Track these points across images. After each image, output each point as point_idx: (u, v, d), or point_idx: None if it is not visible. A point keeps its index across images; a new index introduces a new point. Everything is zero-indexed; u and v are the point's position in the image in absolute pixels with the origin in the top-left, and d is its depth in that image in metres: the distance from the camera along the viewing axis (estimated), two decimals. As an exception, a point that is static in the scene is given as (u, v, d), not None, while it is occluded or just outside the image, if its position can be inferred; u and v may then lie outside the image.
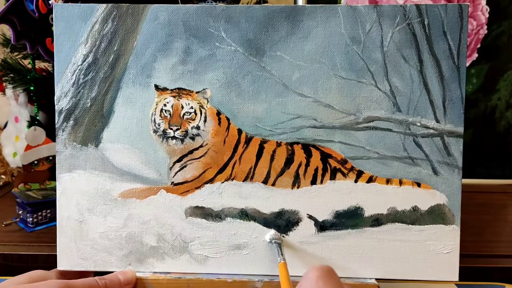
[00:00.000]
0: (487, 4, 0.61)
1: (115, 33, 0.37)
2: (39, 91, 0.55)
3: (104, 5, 0.37)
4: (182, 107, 0.37)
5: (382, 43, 0.36)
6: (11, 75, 0.54)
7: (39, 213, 0.47)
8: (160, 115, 0.37)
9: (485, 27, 0.63)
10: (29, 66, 0.55)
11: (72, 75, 0.37)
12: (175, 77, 0.37)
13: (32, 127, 0.53)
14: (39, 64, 0.57)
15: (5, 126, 0.66)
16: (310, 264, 0.36)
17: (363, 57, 0.36)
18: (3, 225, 0.47)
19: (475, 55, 0.64)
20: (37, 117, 0.56)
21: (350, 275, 0.36)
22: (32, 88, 0.55)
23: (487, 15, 0.62)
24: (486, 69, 0.66)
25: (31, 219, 0.47)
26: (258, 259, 0.37)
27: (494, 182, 0.67)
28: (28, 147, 0.53)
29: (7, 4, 0.43)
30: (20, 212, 0.48)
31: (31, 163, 0.53)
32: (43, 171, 0.54)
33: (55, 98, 0.38)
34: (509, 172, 0.68)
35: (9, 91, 0.59)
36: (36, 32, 0.44)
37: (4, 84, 0.57)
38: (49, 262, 0.39)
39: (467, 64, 0.64)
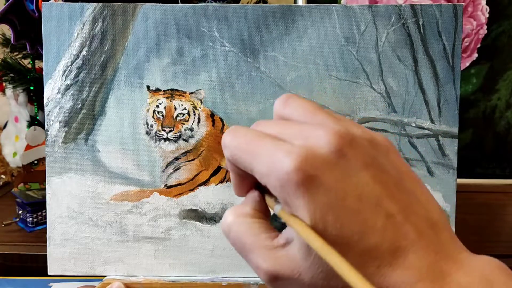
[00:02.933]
0: (487, 4, 0.64)
1: (106, 33, 0.38)
2: (39, 91, 0.56)
3: (95, 4, 0.38)
4: (175, 109, 0.39)
5: (377, 43, 0.38)
6: (11, 75, 0.56)
7: (39, 213, 0.49)
8: (153, 117, 0.39)
9: (485, 27, 0.65)
10: (29, 66, 0.57)
11: (62, 75, 0.39)
12: (167, 78, 0.38)
13: (32, 127, 0.55)
14: (39, 64, 0.59)
15: (5, 126, 0.68)
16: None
17: (358, 58, 0.38)
18: (3, 225, 0.49)
19: (475, 55, 0.66)
20: (37, 117, 0.58)
21: (346, 277, 0.38)
22: (32, 88, 0.56)
23: (487, 15, 0.64)
24: (486, 69, 0.68)
25: (31, 219, 0.49)
26: (253, 262, 0.39)
27: (494, 182, 0.70)
28: (28, 147, 0.55)
29: (7, 4, 0.44)
30: (20, 212, 0.50)
31: (31, 163, 0.55)
32: (43, 171, 0.55)
33: (44, 99, 0.39)
34: (509, 172, 0.70)
35: (9, 91, 0.60)
36: (36, 32, 0.45)
37: (4, 84, 0.58)
38: (49, 262, 0.40)
39: (467, 64, 0.67)
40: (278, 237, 0.20)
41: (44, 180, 0.55)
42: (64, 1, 0.43)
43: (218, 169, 0.39)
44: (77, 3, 0.38)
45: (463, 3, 0.39)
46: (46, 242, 0.39)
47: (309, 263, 0.19)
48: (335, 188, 0.18)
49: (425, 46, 0.38)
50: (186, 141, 0.39)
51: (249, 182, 0.23)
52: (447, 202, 0.38)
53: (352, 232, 0.18)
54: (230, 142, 0.21)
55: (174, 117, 0.39)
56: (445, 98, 0.38)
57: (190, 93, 0.38)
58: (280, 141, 0.19)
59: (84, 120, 0.39)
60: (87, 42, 0.38)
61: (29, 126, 0.59)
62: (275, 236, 0.21)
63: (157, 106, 0.38)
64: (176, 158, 0.39)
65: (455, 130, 0.38)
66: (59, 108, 0.39)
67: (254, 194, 0.23)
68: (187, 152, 0.39)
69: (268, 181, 0.19)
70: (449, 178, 0.38)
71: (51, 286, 0.44)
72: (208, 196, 0.39)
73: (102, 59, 0.38)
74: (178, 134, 0.39)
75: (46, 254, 0.39)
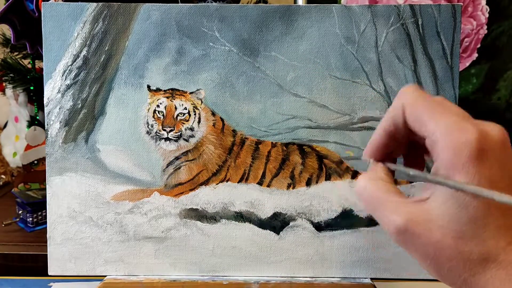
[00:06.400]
0: (487, 4, 0.65)
1: (106, 32, 0.39)
2: (39, 91, 0.57)
3: (95, 4, 0.39)
4: (176, 108, 0.39)
5: (377, 43, 0.39)
6: (11, 75, 0.56)
7: (39, 213, 0.50)
8: (153, 116, 0.39)
9: (485, 27, 0.66)
10: (29, 66, 0.57)
11: (62, 75, 0.39)
12: (168, 78, 0.39)
13: (32, 127, 0.56)
14: (39, 64, 0.59)
15: (5, 126, 0.68)
16: (307, 264, 0.39)
17: (357, 57, 0.39)
18: (3, 225, 0.49)
19: (475, 55, 0.67)
20: (37, 117, 0.58)
21: (346, 274, 0.39)
22: (32, 88, 0.57)
23: (487, 15, 0.65)
24: (486, 69, 0.69)
25: (31, 219, 0.49)
26: (253, 261, 0.39)
27: (494, 182, 0.71)
28: (28, 147, 0.56)
29: (7, 4, 0.44)
30: (20, 212, 0.50)
31: (31, 163, 0.56)
32: (43, 171, 0.56)
33: (45, 99, 0.39)
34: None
35: (9, 91, 0.61)
36: (36, 32, 0.46)
37: (4, 84, 0.59)
38: (48, 262, 0.41)
39: (467, 64, 0.68)
40: (420, 195, 0.24)
41: (44, 180, 0.56)
42: (64, 1, 0.44)
43: (219, 168, 0.40)
44: (77, 3, 0.39)
45: (462, 4, 0.40)
46: (46, 242, 0.39)
47: (446, 220, 0.22)
48: (497, 167, 0.22)
49: (424, 46, 0.38)
50: (186, 140, 0.40)
51: (388, 148, 0.26)
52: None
53: (497, 205, 0.21)
54: (418, 97, 0.24)
55: (175, 116, 0.39)
56: (444, 97, 0.39)
57: (191, 93, 0.39)
58: (465, 117, 0.23)
59: (85, 120, 0.40)
60: (87, 42, 0.39)
61: (29, 126, 0.60)
62: (406, 196, 0.24)
63: (158, 106, 0.39)
64: (177, 158, 0.40)
65: (454, 129, 0.39)
66: (59, 108, 0.40)
67: (380, 164, 0.27)
68: (187, 151, 0.40)
69: (443, 141, 0.22)
70: (448, 177, 0.39)
71: (51, 286, 0.45)
72: (208, 196, 0.39)
73: (102, 58, 0.39)
74: (179, 133, 0.39)
75: (46, 254, 0.39)
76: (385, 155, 0.27)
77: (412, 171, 0.24)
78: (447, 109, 0.23)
